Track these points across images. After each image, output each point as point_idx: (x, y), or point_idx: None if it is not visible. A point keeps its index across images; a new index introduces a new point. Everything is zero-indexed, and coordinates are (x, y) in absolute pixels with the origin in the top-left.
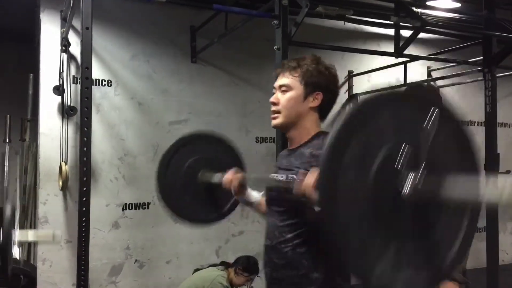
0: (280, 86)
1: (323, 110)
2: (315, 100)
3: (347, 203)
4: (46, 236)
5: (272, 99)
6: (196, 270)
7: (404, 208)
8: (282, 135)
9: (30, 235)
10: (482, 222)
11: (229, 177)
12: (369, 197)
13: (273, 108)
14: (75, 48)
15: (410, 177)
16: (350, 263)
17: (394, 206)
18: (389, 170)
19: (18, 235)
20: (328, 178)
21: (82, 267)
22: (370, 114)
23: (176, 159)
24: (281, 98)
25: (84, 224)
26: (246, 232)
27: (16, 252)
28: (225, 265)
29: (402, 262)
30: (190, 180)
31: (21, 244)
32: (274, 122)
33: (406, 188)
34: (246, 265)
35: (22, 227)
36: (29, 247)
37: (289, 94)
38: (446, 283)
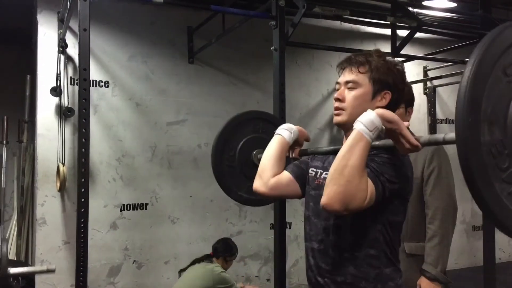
0: (347, 82)
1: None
2: (383, 100)
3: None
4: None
5: (337, 95)
6: (182, 270)
7: None
8: None
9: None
10: (478, 221)
11: (302, 129)
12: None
13: (337, 104)
14: (72, 50)
15: None
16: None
17: None
18: None
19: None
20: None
21: (81, 268)
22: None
23: (230, 140)
24: (347, 95)
25: (82, 225)
26: (244, 232)
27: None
28: (208, 257)
29: None
30: (244, 160)
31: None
32: (338, 118)
33: None
34: (232, 250)
35: (20, 228)
36: (27, 248)
37: (356, 92)
38: (427, 283)
